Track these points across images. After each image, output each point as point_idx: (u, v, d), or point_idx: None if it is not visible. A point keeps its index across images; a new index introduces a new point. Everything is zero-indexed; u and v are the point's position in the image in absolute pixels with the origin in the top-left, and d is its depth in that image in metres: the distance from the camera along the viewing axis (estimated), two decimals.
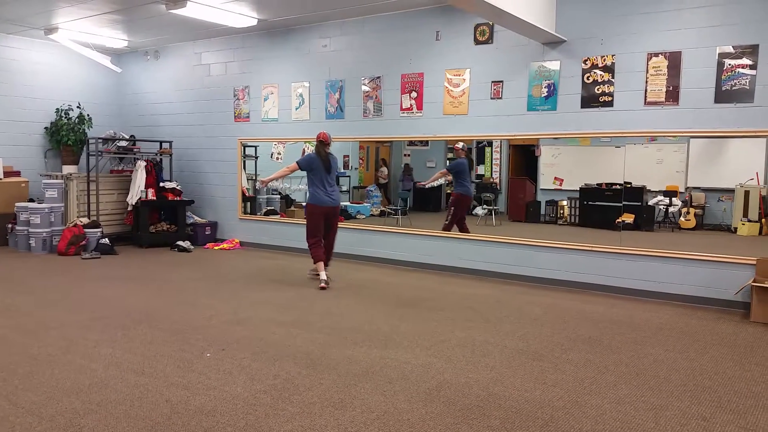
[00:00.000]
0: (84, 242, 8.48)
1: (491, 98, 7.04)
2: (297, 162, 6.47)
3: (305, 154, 6.71)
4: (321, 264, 6.45)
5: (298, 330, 4.78)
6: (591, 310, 5.61)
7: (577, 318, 5.32)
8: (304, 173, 6.52)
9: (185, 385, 3.59)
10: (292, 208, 9.37)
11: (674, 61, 5.93)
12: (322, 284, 6.31)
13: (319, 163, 6.37)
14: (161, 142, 9.75)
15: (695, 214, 6.42)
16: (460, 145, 7.53)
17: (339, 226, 8.45)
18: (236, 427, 3.04)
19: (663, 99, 6.00)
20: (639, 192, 6.62)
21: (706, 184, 6.38)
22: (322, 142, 6.44)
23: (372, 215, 9.15)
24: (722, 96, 5.72)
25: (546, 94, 6.67)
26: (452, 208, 7.71)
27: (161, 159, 9.67)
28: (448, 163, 7.97)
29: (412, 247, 7.69)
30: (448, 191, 8.47)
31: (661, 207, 6.59)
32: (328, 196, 6.40)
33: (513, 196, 7.85)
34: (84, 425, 3.04)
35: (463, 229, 7.48)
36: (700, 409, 3.38)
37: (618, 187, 6.71)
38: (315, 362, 4.02)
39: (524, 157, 7.38)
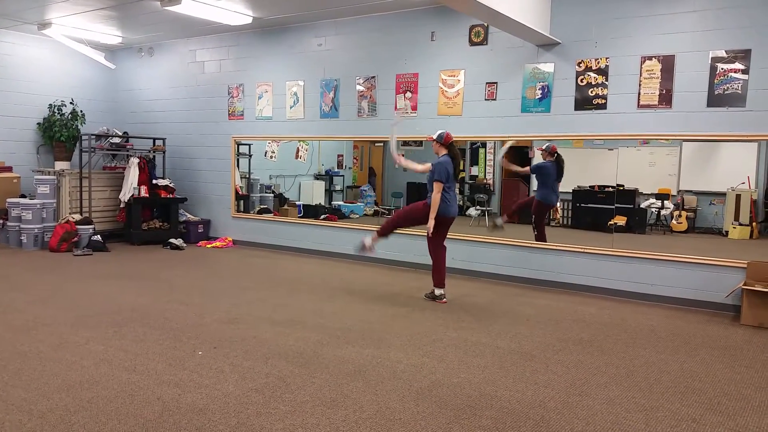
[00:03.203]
0: (76, 239, 8.44)
1: (485, 99, 7.05)
2: (437, 174, 5.65)
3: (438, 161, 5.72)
4: (378, 237, 5.97)
5: (290, 329, 4.78)
6: (583, 312, 5.63)
7: (569, 319, 5.34)
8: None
9: (177, 382, 3.58)
10: (285, 207, 9.36)
11: (667, 64, 5.96)
12: (372, 250, 6.02)
13: (449, 169, 5.69)
14: (154, 139, 9.72)
15: (687, 217, 6.46)
16: (544, 146, 6.93)
17: (331, 225, 8.50)
18: (228, 425, 3.04)
19: (656, 102, 6.03)
20: (631, 195, 6.65)
21: (698, 187, 6.42)
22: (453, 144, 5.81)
23: (365, 215, 9.16)
24: (714, 100, 5.75)
25: (540, 95, 6.69)
26: (533, 215, 7.15)
27: (154, 156, 9.63)
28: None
29: (405, 247, 7.69)
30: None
31: (654, 210, 6.63)
32: (451, 205, 5.76)
33: (506, 198, 7.87)
34: (75, 422, 3.03)
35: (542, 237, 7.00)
36: (691, 410, 3.40)
37: (611, 189, 6.74)
38: (307, 361, 4.02)
39: (518, 159, 7.39)
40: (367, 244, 6.02)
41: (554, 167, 7.00)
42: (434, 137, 5.82)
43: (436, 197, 5.62)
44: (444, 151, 5.79)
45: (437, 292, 5.87)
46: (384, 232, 6.02)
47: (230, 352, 4.16)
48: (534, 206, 7.18)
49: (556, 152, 6.93)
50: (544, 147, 6.99)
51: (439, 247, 5.92)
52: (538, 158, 7.25)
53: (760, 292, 5.24)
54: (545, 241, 6.88)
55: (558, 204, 7.27)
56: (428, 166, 5.77)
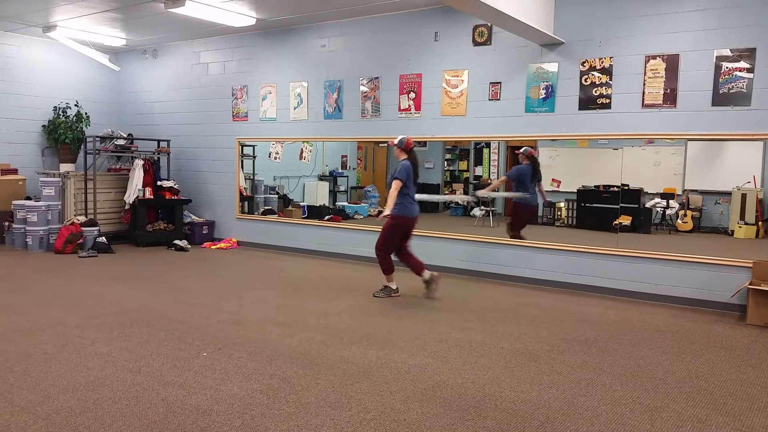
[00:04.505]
0: (81, 241, 8.46)
1: (489, 99, 7.04)
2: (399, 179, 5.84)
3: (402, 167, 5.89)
4: (388, 275, 6.09)
5: (294, 330, 4.78)
6: (588, 312, 5.61)
7: (574, 319, 5.33)
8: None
9: (181, 384, 3.59)
10: (290, 208, 9.37)
11: (672, 63, 5.94)
12: (397, 293, 6.09)
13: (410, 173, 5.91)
14: (159, 141, 9.74)
15: (692, 217, 6.43)
16: (522, 149, 7.12)
17: (336, 226, 8.50)
18: (232, 426, 3.04)
19: (660, 101, 6.01)
20: (636, 194, 6.63)
21: (703, 186, 6.40)
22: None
23: (370, 216, 9.16)
24: (719, 99, 5.73)
25: (544, 95, 6.68)
26: (510, 216, 7.38)
27: (159, 158, 9.65)
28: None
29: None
30: (447, 191, 8.48)
31: (659, 209, 6.61)
32: (414, 205, 5.95)
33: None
34: (80, 424, 3.04)
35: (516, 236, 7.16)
36: (696, 411, 3.39)
37: (615, 189, 6.72)
38: (311, 362, 4.02)
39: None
40: (392, 287, 6.09)
41: (530, 169, 7.14)
42: (395, 142, 5.95)
43: (393, 192, 5.79)
44: (404, 156, 5.94)
45: (426, 275, 5.97)
46: (387, 269, 6.06)
47: (235, 353, 4.16)
48: (514, 209, 7.35)
49: (533, 156, 7.08)
50: (521, 150, 7.12)
51: (401, 249, 6.04)
52: (543, 157, 7.25)
53: (766, 291, 5.22)
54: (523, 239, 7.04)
55: (562, 204, 7.26)
56: (396, 183, 5.82)
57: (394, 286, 6.08)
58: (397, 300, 5.91)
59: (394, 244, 6.01)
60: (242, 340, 4.48)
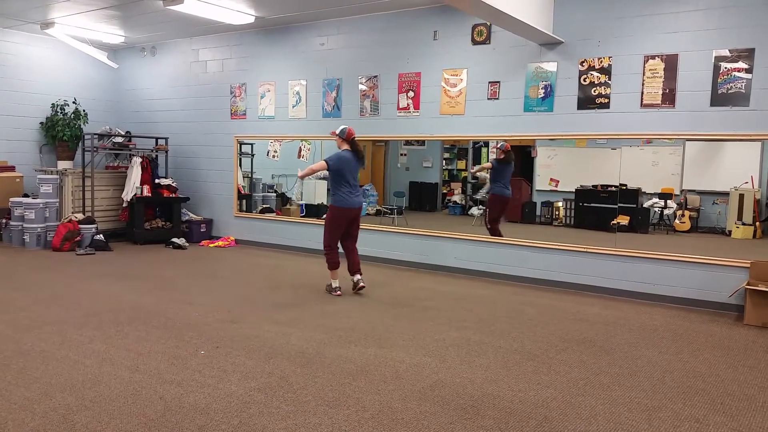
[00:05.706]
0: (78, 238, 8.45)
1: (488, 99, 7.04)
2: (325, 160, 5.93)
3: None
4: (337, 271, 6.08)
5: (292, 328, 4.77)
6: (585, 312, 5.62)
7: (572, 319, 5.33)
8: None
9: (179, 382, 3.58)
10: (288, 206, 9.36)
11: (671, 63, 5.94)
12: (338, 292, 6.01)
13: (349, 163, 5.92)
14: (157, 139, 9.73)
15: (690, 217, 6.44)
16: (498, 145, 7.24)
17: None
18: (230, 424, 3.04)
19: (659, 101, 6.02)
20: (634, 194, 6.63)
21: (701, 187, 6.40)
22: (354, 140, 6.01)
23: (368, 214, 9.15)
24: (718, 99, 5.73)
25: (543, 95, 6.68)
26: (486, 209, 7.68)
27: (157, 155, 9.63)
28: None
29: (408, 246, 7.70)
30: (445, 191, 8.48)
31: (656, 209, 6.61)
32: (354, 197, 5.96)
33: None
34: (77, 421, 3.03)
35: (495, 231, 7.29)
36: (694, 410, 3.39)
37: (613, 189, 6.73)
38: (309, 360, 4.02)
39: (520, 158, 7.38)
40: (333, 284, 6.09)
41: (507, 165, 7.33)
42: (337, 132, 5.98)
43: (310, 168, 5.97)
44: (345, 146, 5.97)
45: (355, 278, 6.05)
46: (330, 265, 6.06)
47: (232, 352, 4.16)
48: (490, 201, 7.59)
49: (509, 150, 7.23)
50: (498, 145, 7.24)
51: (346, 241, 6.09)
52: (541, 157, 7.26)
53: (763, 291, 5.23)
54: (500, 236, 7.15)
55: (560, 203, 7.26)
56: (322, 163, 5.91)
57: (335, 284, 6.05)
58: (395, 299, 5.91)
59: (335, 237, 6.03)
60: (240, 338, 4.48)
